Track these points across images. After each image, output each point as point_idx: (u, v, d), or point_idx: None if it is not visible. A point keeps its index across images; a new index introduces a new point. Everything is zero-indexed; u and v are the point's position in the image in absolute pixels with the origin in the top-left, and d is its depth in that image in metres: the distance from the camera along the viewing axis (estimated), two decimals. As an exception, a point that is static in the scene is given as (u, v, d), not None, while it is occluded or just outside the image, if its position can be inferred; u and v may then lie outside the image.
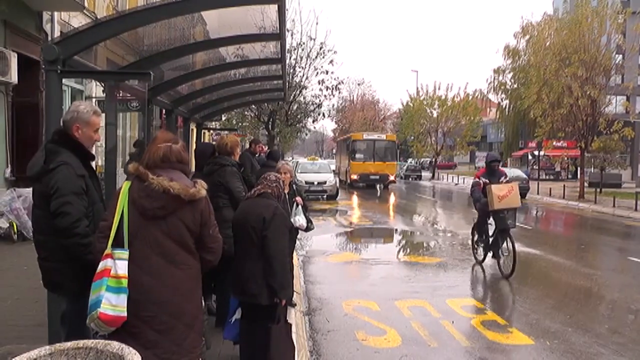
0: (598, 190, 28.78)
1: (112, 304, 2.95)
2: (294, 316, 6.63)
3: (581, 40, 27.12)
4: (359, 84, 68.75)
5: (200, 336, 3.29)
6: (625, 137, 29.88)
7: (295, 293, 6.84)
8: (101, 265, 3.03)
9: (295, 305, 7.10)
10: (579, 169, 33.52)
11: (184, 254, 3.12)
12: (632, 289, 9.53)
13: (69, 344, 2.55)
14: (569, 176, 48.86)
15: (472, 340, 6.47)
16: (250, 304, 4.55)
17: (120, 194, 3.12)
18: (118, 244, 3.05)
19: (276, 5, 5.23)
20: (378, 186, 34.23)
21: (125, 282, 2.98)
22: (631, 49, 30.72)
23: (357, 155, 35.50)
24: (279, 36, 6.29)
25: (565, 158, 39.71)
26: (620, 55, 32.71)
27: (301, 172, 26.89)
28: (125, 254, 3.02)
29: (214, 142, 7.09)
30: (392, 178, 35.44)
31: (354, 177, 34.97)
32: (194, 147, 13.14)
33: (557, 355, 6.09)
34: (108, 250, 3.04)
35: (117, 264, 3.00)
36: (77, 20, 13.14)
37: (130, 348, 2.53)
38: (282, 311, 4.59)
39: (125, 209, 3.08)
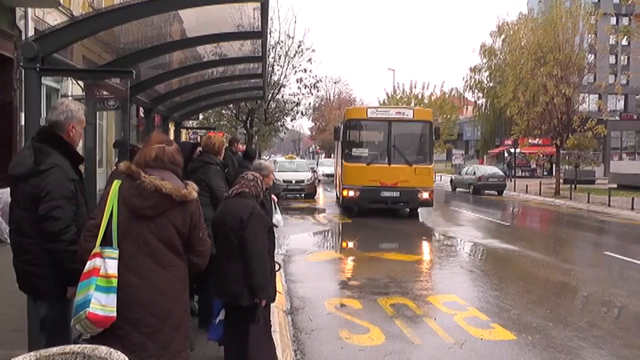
0: (573, 186, 29.25)
1: (101, 303, 2.88)
2: (277, 315, 6.60)
3: (556, 40, 27.58)
4: (335, 83, 68.72)
5: (186, 339, 3.25)
6: (598, 134, 30.42)
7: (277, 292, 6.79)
8: (89, 265, 2.95)
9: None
10: (554, 166, 34.05)
11: (172, 256, 3.08)
12: (608, 283, 9.71)
13: (54, 350, 2.48)
14: (545, 173, 49.60)
15: (456, 336, 6.51)
16: (231, 304, 4.53)
17: (110, 193, 3.06)
18: (107, 242, 2.99)
19: (259, 4, 5.19)
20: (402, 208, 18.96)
21: (115, 281, 2.93)
22: (603, 49, 31.31)
23: (355, 152, 18.40)
24: (261, 34, 6.26)
25: (541, 155, 40.28)
26: (593, 55, 33.31)
27: (279, 171, 26.82)
28: (115, 253, 2.97)
29: (192, 141, 7.04)
30: (426, 196, 17.83)
31: (349, 192, 17.97)
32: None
33: (539, 350, 6.16)
34: (96, 249, 2.97)
35: (107, 262, 2.94)
36: (52, 17, 12.88)
37: (119, 352, 2.47)
38: (262, 311, 4.56)
39: (115, 208, 3.03)
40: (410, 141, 18.65)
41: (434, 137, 18.37)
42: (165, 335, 3.02)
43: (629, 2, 25.46)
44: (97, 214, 3.07)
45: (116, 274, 2.94)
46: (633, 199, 22.09)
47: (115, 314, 2.90)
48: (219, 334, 4.78)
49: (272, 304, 5.16)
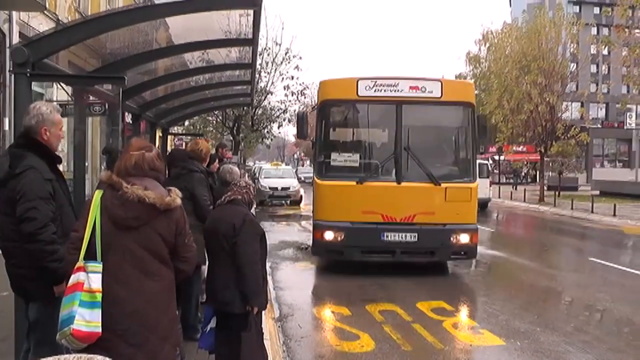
0: (557, 193, 29.57)
1: (85, 319, 2.83)
2: (266, 323, 6.57)
3: (540, 49, 27.95)
4: (322, 90, 68.82)
5: (176, 348, 3.22)
6: (581, 142, 30.84)
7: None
8: (73, 279, 2.90)
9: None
10: (538, 172, 34.41)
11: (159, 265, 3.04)
12: (593, 288, 9.82)
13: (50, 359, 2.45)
14: (529, 180, 50.06)
15: (445, 342, 6.53)
16: (223, 312, 4.51)
17: (92, 204, 3.00)
18: (90, 255, 2.93)
19: (250, 11, 5.20)
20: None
21: (99, 296, 2.87)
22: (585, 59, 31.85)
23: (337, 160, 10.00)
24: (252, 41, 6.28)
25: (526, 162, 40.70)
26: (575, 64, 33.83)
27: (265, 178, 26.79)
28: (99, 266, 2.91)
29: (180, 148, 7.02)
30: (465, 239, 9.64)
31: (324, 234, 9.68)
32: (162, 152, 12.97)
33: (527, 355, 6.20)
34: (80, 263, 2.91)
35: (91, 277, 2.88)
36: (37, 21, 12.75)
37: None
38: (254, 319, 4.55)
39: (97, 219, 2.96)
40: (437, 140, 10.79)
41: (477, 133, 10.05)
42: (154, 345, 2.99)
43: (609, 13, 25.91)
44: (80, 226, 3.01)
45: (100, 289, 2.88)
46: (615, 205, 22.38)
47: (100, 330, 2.86)
48: (210, 343, 4.74)
49: (262, 312, 5.14)
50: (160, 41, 7.24)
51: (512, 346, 6.47)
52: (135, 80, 7.86)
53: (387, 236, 9.48)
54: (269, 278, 9.37)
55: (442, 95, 9.67)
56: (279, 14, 77.02)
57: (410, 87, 9.66)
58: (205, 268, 5.20)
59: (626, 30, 22.93)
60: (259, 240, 4.48)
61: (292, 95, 28.96)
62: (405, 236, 9.49)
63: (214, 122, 28.98)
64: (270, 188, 25.10)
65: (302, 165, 65.01)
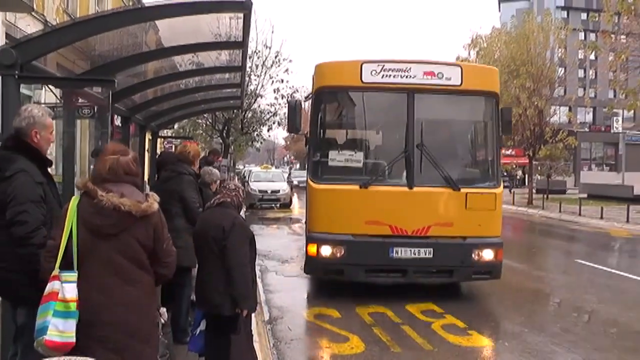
0: (545, 196, 29.79)
1: (59, 330, 2.82)
2: (256, 326, 6.58)
3: (528, 54, 28.19)
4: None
5: (156, 351, 3.21)
6: (569, 145, 31.09)
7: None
8: (48, 288, 2.89)
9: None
10: (527, 176, 34.66)
11: (138, 271, 3.02)
12: (580, 289, 9.94)
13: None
14: (517, 184, 50.34)
15: (434, 343, 6.57)
16: (213, 314, 4.52)
17: (68, 211, 2.97)
18: (67, 264, 2.92)
19: (241, 14, 5.23)
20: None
21: (73, 306, 2.85)
22: (572, 64, 32.16)
23: (335, 159, 8.36)
24: (241, 44, 6.29)
25: (515, 166, 40.95)
26: (563, 69, 34.14)
27: (255, 181, 26.75)
28: (73, 276, 2.89)
29: (170, 151, 7.02)
30: (489, 255, 8.14)
31: (321, 249, 8.03)
32: (148, 155, 12.94)
33: (515, 355, 6.28)
34: (55, 272, 2.90)
35: (65, 287, 2.86)
36: (25, 22, 12.69)
37: None
38: (243, 321, 4.56)
39: (74, 227, 2.94)
40: (455, 136, 9.28)
41: (500, 127, 8.54)
42: (135, 350, 2.98)
43: (596, 18, 26.19)
44: (57, 234, 2.99)
45: (75, 298, 2.86)
46: (602, 208, 22.59)
47: (73, 340, 2.84)
48: (200, 345, 4.75)
49: (252, 314, 5.16)
50: (150, 44, 7.24)
51: (500, 347, 6.54)
52: (125, 83, 7.85)
53: (397, 252, 7.94)
54: (258, 281, 9.39)
55: (462, 83, 8.13)
56: (269, 17, 77.03)
57: (425, 73, 8.10)
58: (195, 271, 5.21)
59: (612, 36, 23.18)
60: (248, 243, 4.50)
61: (282, 98, 28.95)
62: (419, 252, 7.97)
63: (204, 125, 28.91)
64: (260, 191, 25.11)
65: (292, 168, 64.71)
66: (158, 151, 15.08)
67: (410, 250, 7.98)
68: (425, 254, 7.97)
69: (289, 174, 44.04)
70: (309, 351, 6.39)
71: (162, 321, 5.61)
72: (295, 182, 35.86)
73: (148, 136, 12.53)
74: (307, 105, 12.13)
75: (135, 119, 9.31)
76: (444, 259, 8.05)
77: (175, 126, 24.97)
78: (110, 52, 6.73)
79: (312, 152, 8.52)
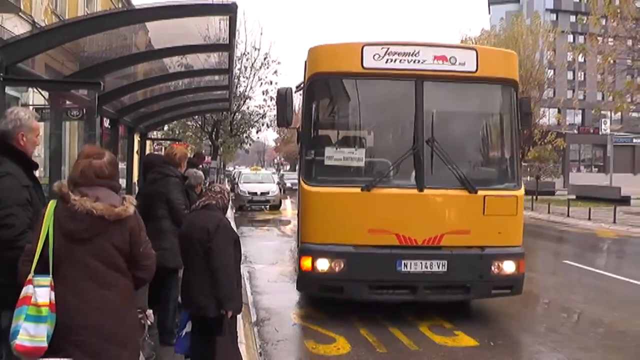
0: (534, 197, 29.98)
1: (30, 334, 2.80)
2: (243, 327, 6.60)
3: (518, 56, 28.44)
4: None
5: (136, 355, 3.20)
6: (557, 147, 31.38)
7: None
8: (23, 292, 2.88)
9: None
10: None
11: (115, 275, 3.00)
12: (567, 289, 10.06)
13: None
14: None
15: (420, 344, 6.61)
16: (198, 316, 4.54)
17: (45, 215, 2.96)
18: (43, 268, 2.90)
19: (227, 17, 5.27)
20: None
21: (46, 310, 2.84)
22: (561, 66, 32.45)
23: (332, 157, 7.26)
24: (228, 47, 6.33)
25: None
26: (552, 71, 34.43)
27: (244, 182, 26.73)
28: (46, 280, 2.88)
29: (156, 153, 7.02)
30: (510, 267, 7.27)
31: (316, 263, 7.00)
32: (137, 157, 12.92)
33: (501, 355, 6.35)
34: (30, 276, 2.89)
35: (37, 291, 2.84)
36: (12, 23, 12.60)
37: None
38: (228, 323, 4.58)
39: (50, 231, 2.92)
40: (470, 130, 8.14)
41: (518, 120, 7.65)
42: (112, 354, 2.96)
43: (584, 21, 26.43)
44: (34, 238, 2.97)
45: (47, 303, 2.84)
46: (590, 209, 22.78)
47: (45, 344, 2.82)
48: (186, 347, 4.77)
49: (238, 316, 5.18)
50: (139, 45, 7.26)
51: (486, 347, 6.58)
52: (114, 85, 7.85)
53: (406, 265, 6.96)
54: (246, 282, 9.42)
55: (477, 69, 7.16)
56: (258, 19, 76.98)
57: (436, 58, 7.11)
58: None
59: (599, 38, 23.43)
60: (233, 245, 4.53)
61: (271, 100, 28.98)
62: (431, 265, 6.99)
63: (193, 127, 28.88)
64: (249, 193, 25.10)
65: (282, 169, 64.51)
66: (148, 153, 15.05)
67: (421, 263, 6.99)
68: (438, 267, 6.99)
69: (281, 176, 43.82)
70: (295, 352, 6.43)
71: (149, 323, 5.62)
72: (288, 185, 35.82)
73: (137, 138, 12.52)
74: (298, 107, 11.95)
75: (123, 120, 9.32)
76: (459, 272, 7.07)
77: (165, 128, 24.94)
78: (99, 53, 6.75)
79: (305, 150, 7.46)
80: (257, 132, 32.08)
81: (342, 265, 6.94)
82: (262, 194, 25.21)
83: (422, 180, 7.02)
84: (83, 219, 2.89)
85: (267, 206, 25.23)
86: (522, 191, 7.52)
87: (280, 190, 30.43)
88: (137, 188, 7.91)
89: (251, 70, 27.81)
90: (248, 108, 29.87)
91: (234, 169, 55.87)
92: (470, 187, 7.06)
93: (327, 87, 7.69)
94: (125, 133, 11.32)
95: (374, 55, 7.07)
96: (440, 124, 7.36)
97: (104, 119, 8.96)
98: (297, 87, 7.76)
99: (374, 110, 7.92)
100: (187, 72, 8.54)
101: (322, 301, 8.50)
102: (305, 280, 7.36)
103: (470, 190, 7.06)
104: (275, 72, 28.35)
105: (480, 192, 7.08)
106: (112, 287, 2.98)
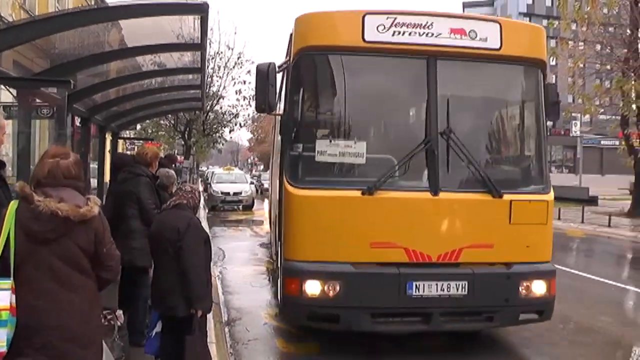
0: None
1: None
2: (214, 327, 6.60)
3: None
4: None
5: (99, 356, 3.18)
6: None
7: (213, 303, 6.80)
8: None
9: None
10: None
11: (79, 276, 2.97)
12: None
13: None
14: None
15: (393, 339, 6.62)
16: (168, 316, 4.55)
17: (6, 216, 2.89)
18: (5, 270, 2.84)
19: (199, 16, 5.27)
20: None
21: (6, 314, 2.78)
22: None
23: (325, 152, 5.75)
24: (200, 46, 6.32)
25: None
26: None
27: (217, 183, 26.58)
28: (7, 283, 2.81)
29: (128, 152, 6.97)
30: (540, 288, 6.02)
31: (304, 286, 5.61)
32: (109, 156, 12.78)
33: (468, 349, 6.50)
34: None
35: None
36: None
37: None
38: (198, 322, 4.59)
39: (11, 232, 2.86)
40: (492, 120, 6.73)
41: (543, 109, 6.33)
42: (75, 355, 2.94)
43: (555, 26, 26.95)
44: None
45: (7, 307, 2.79)
46: (560, 209, 23.24)
47: (4, 349, 2.77)
48: (156, 347, 4.75)
49: (209, 315, 5.19)
50: (112, 43, 7.19)
51: (457, 342, 6.67)
52: (85, 83, 7.76)
53: (418, 288, 5.63)
54: (217, 282, 9.39)
55: (501, 46, 5.88)
56: (233, 19, 76.57)
57: (452, 31, 5.78)
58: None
59: (570, 42, 23.90)
60: (203, 244, 4.54)
61: (244, 99, 28.99)
62: (449, 287, 5.69)
63: (166, 126, 28.66)
64: (222, 193, 24.95)
65: (255, 170, 64.06)
66: (118, 152, 14.88)
67: (437, 285, 5.66)
68: (458, 290, 5.70)
69: (258, 176, 43.37)
70: (266, 352, 6.43)
71: (119, 323, 5.58)
72: (266, 186, 35.65)
73: (109, 137, 12.39)
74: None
75: (95, 119, 9.22)
76: (482, 296, 5.77)
77: (137, 127, 24.71)
78: (70, 50, 6.67)
79: (289, 142, 5.99)
80: (230, 132, 32.03)
81: (338, 289, 5.57)
82: (235, 194, 25.09)
83: (437, 181, 5.71)
84: (48, 220, 2.86)
85: (240, 206, 25.13)
86: (552, 195, 6.25)
87: (256, 190, 30.33)
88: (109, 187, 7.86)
89: (224, 69, 27.78)
90: (221, 108, 29.86)
91: (207, 168, 55.48)
92: (495, 190, 5.78)
93: (319, 65, 6.18)
94: (96, 132, 11.20)
95: (378, 26, 5.73)
96: (458, 113, 5.97)
97: (75, 117, 8.84)
98: (279, 67, 6.05)
99: (376, 94, 6.36)
100: (160, 71, 8.49)
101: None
102: (291, 308, 5.96)
103: (495, 194, 5.78)
104: (249, 71, 28.33)
105: (506, 196, 5.83)
106: (76, 289, 2.96)
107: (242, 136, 71.86)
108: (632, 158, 22.01)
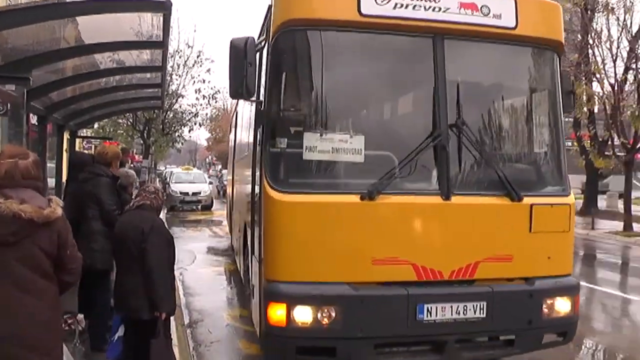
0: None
1: None
2: (176, 329, 6.54)
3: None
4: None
5: None
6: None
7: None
8: None
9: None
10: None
11: (41, 281, 2.88)
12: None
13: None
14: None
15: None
16: (132, 318, 4.49)
17: None
18: None
19: (161, 14, 5.21)
20: None
21: None
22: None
23: (314, 149, 4.60)
24: (162, 44, 6.25)
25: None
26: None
27: (175, 182, 26.24)
28: None
29: (86, 151, 6.84)
30: (564, 306, 5.06)
31: (293, 314, 4.44)
32: (67, 156, 12.47)
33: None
34: None
35: None
36: None
37: None
38: (162, 325, 4.55)
39: None
40: (507, 110, 5.58)
41: (560, 98, 5.39)
42: None
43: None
44: None
45: None
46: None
47: None
48: (118, 352, 4.71)
49: (171, 318, 5.15)
50: (69, 39, 7.01)
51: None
52: (42, 80, 7.54)
53: (430, 312, 4.68)
54: (179, 284, 9.30)
55: (517, 25, 4.98)
56: (192, 15, 75.74)
57: (462, 5, 4.84)
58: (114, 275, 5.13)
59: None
60: (167, 246, 4.51)
61: (204, 98, 28.79)
62: (465, 309, 4.76)
63: (125, 125, 28.16)
64: (181, 193, 24.66)
65: (213, 169, 63.19)
66: (75, 151, 14.54)
67: (452, 308, 4.72)
68: (475, 312, 4.76)
69: (221, 176, 42.24)
70: (228, 353, 6.43)
71: (80, 328, 5.49)
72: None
73: (66, 136, 12.08)
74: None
75: (52, 118, 8.98)
76: (503, 317, 4.86)
77: (95, 126, 24.22)
78: (25, 46, 6.47)
79: (268, 136, 4.82)
80: (189, 131, 31.71)
81: (335, 315, 4.53)
82: (194, 194, 24.84)
83: (448, 183, 4.78)
84: (10, 223, 2.76)
85: (199, 206, 24.90)
86: (572, 198, 5.37)
87: (217, 191, 30.05)
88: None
89: (184, 68, 27.48)
90: (180, 107, 29.51)
91: (166, 168, 54.68)
92: (514, 192, 4.89)
93: (304, 44, 4.94)
94: (53, 131, 10.90)
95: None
96: (469, 102, 4.99)
97: (31, 115, 8.59)
98: (256, 46, 4.81)
99: (374, 78, 5.31)
100: (118, 69, 8.32)
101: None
102: (275, 340, 4.72)
103: (514, 197, 4.89)
104: (209, 70, 28.12)
105: (526, 200, 4.95)
106: (38, 294, 2.87)
107: (200, 135, 71.10)
108: (584, 158, 22.74)
